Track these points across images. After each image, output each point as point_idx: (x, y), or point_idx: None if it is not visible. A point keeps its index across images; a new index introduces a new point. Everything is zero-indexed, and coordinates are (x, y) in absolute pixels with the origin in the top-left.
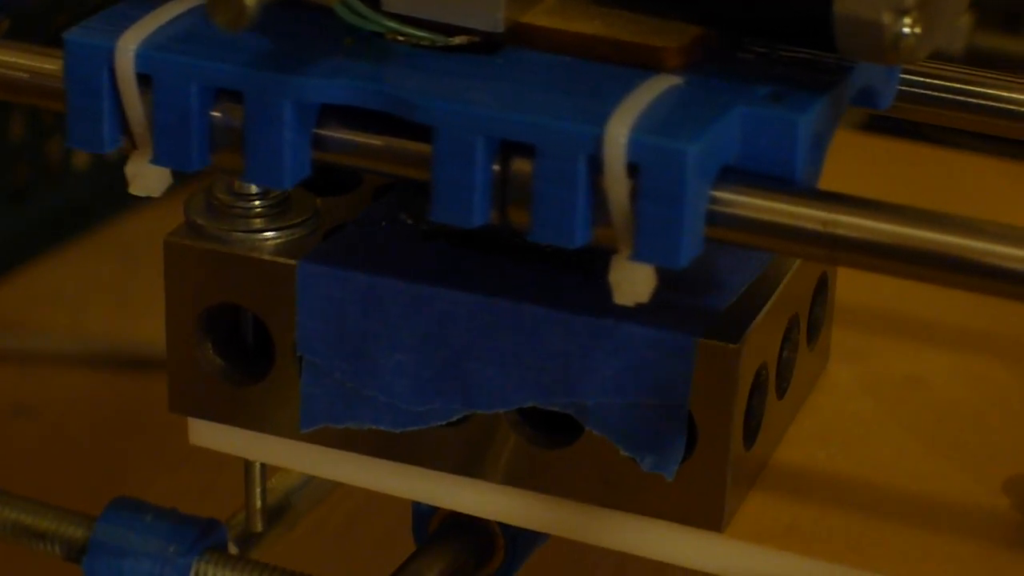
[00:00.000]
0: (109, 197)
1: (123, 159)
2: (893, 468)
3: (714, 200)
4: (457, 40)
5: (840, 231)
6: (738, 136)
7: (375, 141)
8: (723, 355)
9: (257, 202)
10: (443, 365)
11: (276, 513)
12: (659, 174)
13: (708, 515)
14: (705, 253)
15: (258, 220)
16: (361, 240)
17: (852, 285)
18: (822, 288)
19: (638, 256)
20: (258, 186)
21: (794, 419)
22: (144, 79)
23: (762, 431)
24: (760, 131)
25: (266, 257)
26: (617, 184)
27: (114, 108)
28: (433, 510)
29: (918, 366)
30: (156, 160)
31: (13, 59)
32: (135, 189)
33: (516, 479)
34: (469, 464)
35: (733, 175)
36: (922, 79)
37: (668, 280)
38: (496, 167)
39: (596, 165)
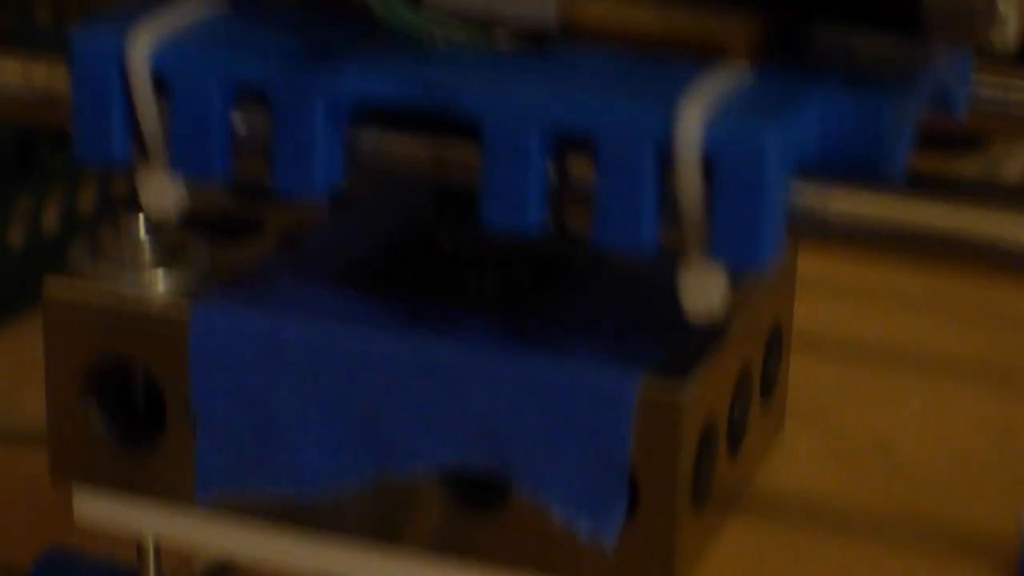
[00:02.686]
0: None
1: (64, 234)
2: (852, 541)
3: (794, 195)
4: (501, 38)
5: (923, 225)
6: (816, 128)
7: (417, 141)
8: (667, 405)
9: (147, 248)
10: (354, 422)
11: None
12: (737, 166)
13: None
14: (647, 292)
15: (148, 268)
16: (261, 288)
17: (807, 343)
18: (776, 339)
19: (715, 254)
20: (147, 230)
21: (748, 485)
22: (158, 81)
23: (713, 493)
24: (840, 122)
25: (155, 308)
26: (690, 178)
27: (124, 113)
28: None
29: (883, 431)
30: (173, 167)
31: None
32: (148, 205)
33: (441, 546)
34: (388, 531)
35: (813, 168)
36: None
37: (607, 322)
38: (552, 163)
39: (665, 158)
